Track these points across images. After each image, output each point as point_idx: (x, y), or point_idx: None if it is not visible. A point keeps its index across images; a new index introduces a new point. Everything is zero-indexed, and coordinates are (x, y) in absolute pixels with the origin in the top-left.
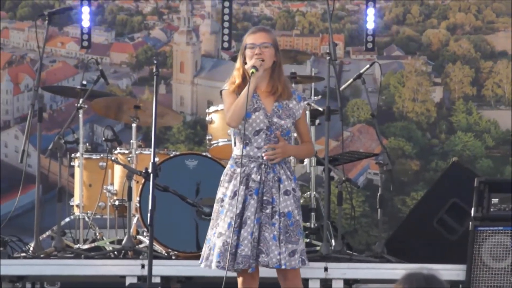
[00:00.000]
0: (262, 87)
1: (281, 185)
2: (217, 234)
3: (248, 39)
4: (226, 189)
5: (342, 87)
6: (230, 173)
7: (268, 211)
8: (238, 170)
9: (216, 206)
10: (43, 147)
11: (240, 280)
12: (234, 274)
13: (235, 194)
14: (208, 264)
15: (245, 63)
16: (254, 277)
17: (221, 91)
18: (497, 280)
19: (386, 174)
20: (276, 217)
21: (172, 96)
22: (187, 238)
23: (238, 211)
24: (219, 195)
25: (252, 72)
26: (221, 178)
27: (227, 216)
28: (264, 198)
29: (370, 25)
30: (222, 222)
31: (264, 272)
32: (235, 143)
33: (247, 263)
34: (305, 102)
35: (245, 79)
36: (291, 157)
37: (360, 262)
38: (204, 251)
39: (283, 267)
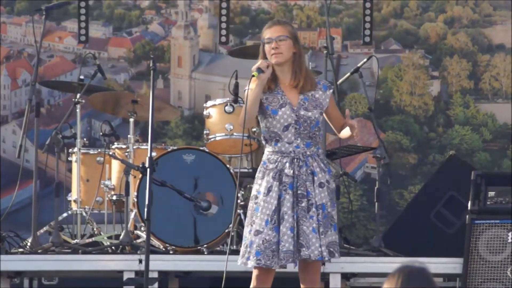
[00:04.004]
0: (285, 80)
1: (315, 178)
2: (254, 231)
3: (265, 33)
4: (260, 185)
5: (340, 81)
6: (263, 169)
7: (303, 204)
8: (271, 166)
9: (250, 203)
10: (40, 142)
11: (255, 273)
12: (235, 269)
13: (269, 190)
14: (244, 261)
15: (266, 59)
16: (270, 272)
17: (244, 90)
18: (494, 273)
19: (384, 168)
20: (313, 209)
21: (170, 90)
22: (184, 233)
23: (273, 208)
24: (253, 192)
25: (253, 75)
26: (256, 176)
27: (263, 213)
28: (299, 192)
29: (368, 19)
30: (259, 219)
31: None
32: (266, 140)
33: (290, 258)
34: (331, 90)
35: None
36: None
37: (357, 256)
38: (242, 249)
39: (326, 259)
